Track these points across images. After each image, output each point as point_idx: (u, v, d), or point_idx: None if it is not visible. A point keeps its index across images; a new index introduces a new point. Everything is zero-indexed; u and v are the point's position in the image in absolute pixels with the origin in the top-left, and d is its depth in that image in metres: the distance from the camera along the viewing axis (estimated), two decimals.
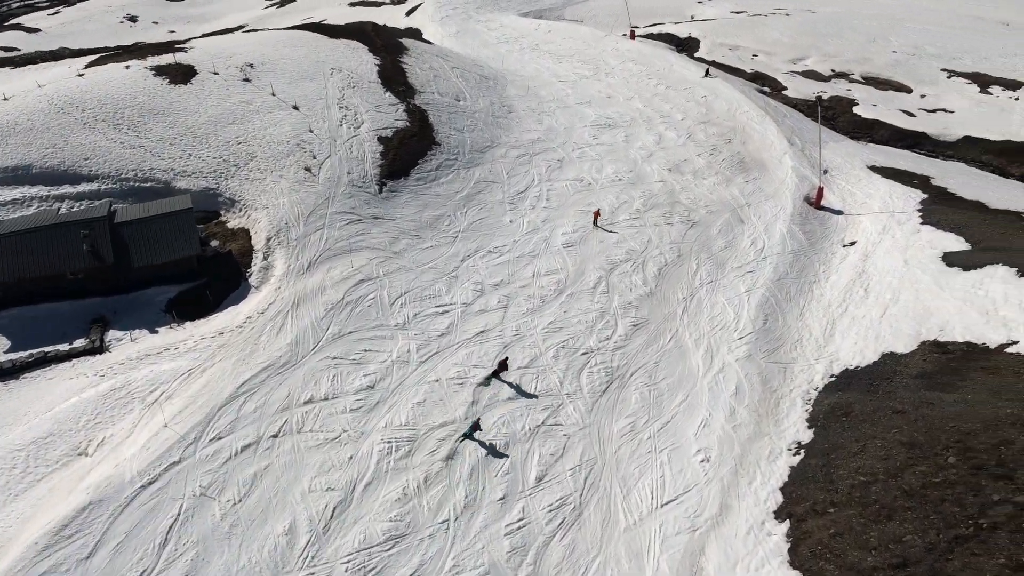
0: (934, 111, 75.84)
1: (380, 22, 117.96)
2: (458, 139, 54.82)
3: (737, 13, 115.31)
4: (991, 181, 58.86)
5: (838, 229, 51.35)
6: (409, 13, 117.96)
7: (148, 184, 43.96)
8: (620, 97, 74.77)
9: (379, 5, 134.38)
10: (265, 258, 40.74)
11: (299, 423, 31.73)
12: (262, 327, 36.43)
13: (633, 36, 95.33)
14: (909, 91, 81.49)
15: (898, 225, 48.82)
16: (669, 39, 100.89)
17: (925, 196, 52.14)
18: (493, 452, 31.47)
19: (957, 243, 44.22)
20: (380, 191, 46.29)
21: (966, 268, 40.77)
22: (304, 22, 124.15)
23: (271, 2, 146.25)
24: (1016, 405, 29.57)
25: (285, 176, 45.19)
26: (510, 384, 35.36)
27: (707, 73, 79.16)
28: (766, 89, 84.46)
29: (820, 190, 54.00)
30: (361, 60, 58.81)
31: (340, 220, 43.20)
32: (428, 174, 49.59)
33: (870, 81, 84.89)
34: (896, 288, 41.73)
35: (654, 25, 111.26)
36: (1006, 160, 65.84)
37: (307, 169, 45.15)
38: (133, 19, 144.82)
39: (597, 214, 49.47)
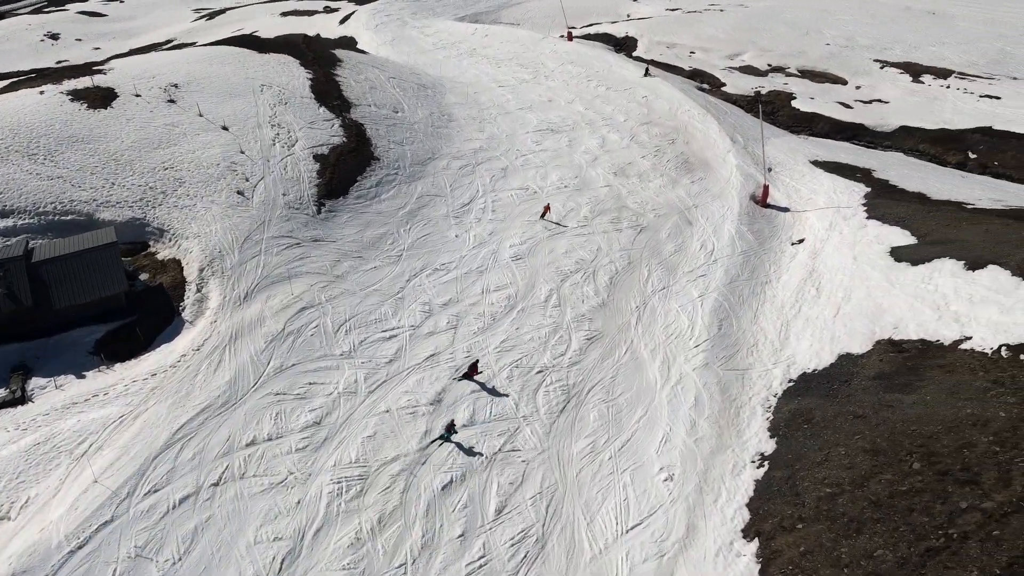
0: (870, 102, 76.68)
1: (313, 32, 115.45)
2: (398, 153, 53.10)
3: (672, 11, 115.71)
4: (930, 171, 59.44)
5: (785, 227, 51.10)
6: (343, 21, 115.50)
7: (69, 217, 41.27)
8: (561, 100, 73.86)
9: (311, 15, 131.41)
10: (199, 290, 38.50)
11: (241, 468, 29.79)
12: (198, 365, 34.28)
13: (571, 38, 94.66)
14: (844, 83, 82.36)
15: (844, 221, 48.71)
16: (607, 39, 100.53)
17: (868, 189, 52.25)
18: (453, 481, 30.03)
19: (904, 237, 44.19)
20: (318, 212, 44.34)
21: (915, 263, 40.67)
22: (235, 34, 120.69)
23: (200, 15, 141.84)
24: (975, 404, 29.25)
25: (217, 201, 42.91)
26: (483, 385, 35.06)
27: (647, 72, 78.76)
28: (705, 86, 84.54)
29: (766, 188, 53.75)
30: (292, 75, 56.58)
31: (277, 245, 41.17)
32: (368, 191, 47.79)
33: (806, 74, 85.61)
34: (847, 286, 41.45)
35: (591, 25, 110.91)
36: (942, 148, 66.79)
37: (240, 193, 42.97)
38: (55, 37, 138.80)
39: (547, 208, 49.81)
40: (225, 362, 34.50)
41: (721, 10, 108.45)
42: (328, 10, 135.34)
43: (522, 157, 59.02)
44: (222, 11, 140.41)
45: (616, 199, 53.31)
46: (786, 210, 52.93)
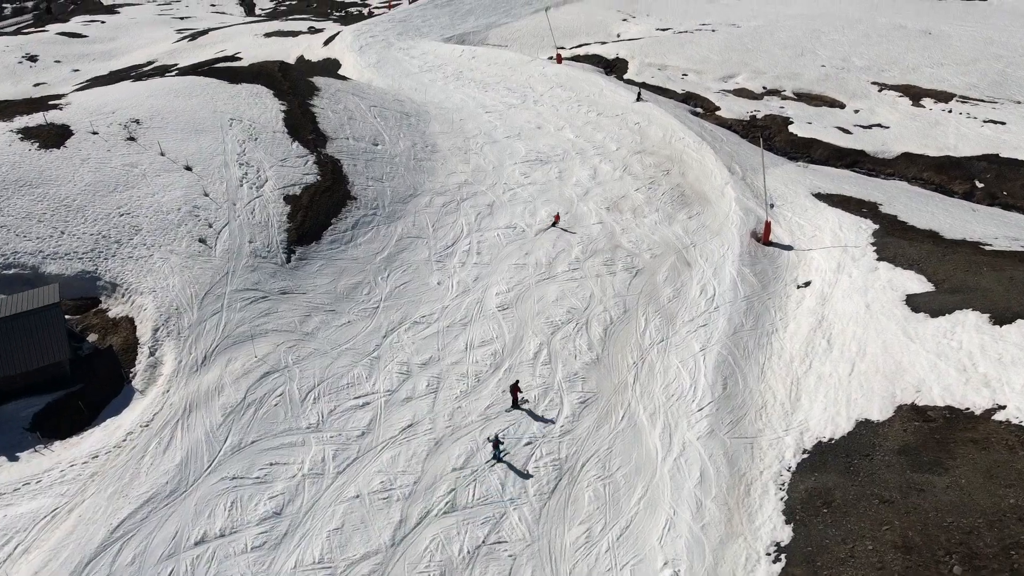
0: (869, 127, 73.56)
1: (297, 53, 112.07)
2: (377, 190, 49.46)
3: (663, 31, 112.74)
4: (938, 203, 56.14)
5: (790, 267, 47.67)
6: (327, 43, 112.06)
7: (11, 271, 37.43)
8: (550, 127, 70.54)
9: (296, 35, 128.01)
10: (152, 353, 34.67)
11: (188, 573, 25.92)
12: (146, 444, 30.44)
13: (560, 60, 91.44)
14: (842, 106, 79.28)
15: (853, 262, 45.29)
16: (597, 61, 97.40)
17: (877, 227, 48.86)
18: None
19: (919, 283, 40.76)
20: (288, 260, 40.61)
21: (934, 314, 37.24)
22: (217, 56, 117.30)
23: (182, 35, 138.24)
24: (1018, 492, 25.74)
25: (176, 251, 39.15)
26: (529, 412, 33.84)
27: (639, 97, 75.50)
28: (699, 110, 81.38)
29: (767, 225, 50.31)
30: (265, 107, 52.92)
31: (241, 299, 37.40)
32: (343, 235, 44.10)
33: (802, 97, 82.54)
34: (861, 338, 37.96)
35: (580, 46, 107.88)
36: (946, 177, 63.62)
37: (202, 241, 39.23)
38: (33, 59, 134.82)
39: (557, 217, 51.25)
40: (176, 440, 30.68)
41: (713, 30, 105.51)
42: (313, 30, 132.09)
43: (510, 191, 55.53)
44: (204, 31, 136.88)
45: (609, 237, 49.81)
46: (789, 248, 49.51)
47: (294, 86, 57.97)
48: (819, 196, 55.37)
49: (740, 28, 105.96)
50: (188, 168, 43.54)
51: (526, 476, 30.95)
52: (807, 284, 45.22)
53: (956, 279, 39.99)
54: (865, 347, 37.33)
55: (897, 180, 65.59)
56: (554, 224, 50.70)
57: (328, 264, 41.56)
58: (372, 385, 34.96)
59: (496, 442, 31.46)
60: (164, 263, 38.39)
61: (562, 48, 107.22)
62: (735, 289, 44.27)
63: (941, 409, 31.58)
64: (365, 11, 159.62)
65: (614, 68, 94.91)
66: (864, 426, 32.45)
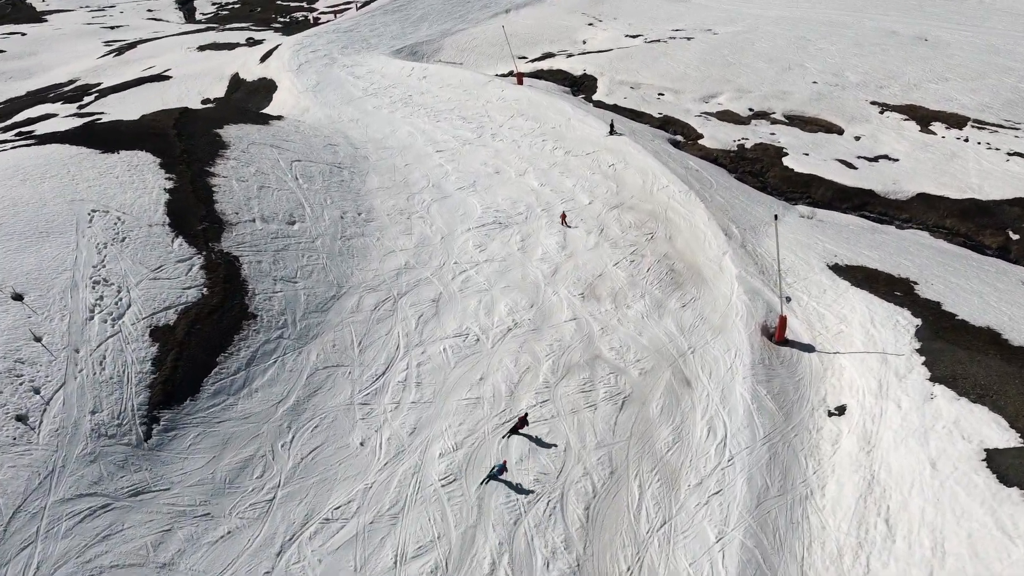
0: (875, 159, 63.01)
1: (232, 70, 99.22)
2: (286, 297, 37.63)
3: (632, 37, 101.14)
4: (977, 269, 45.70)
5: (814, 379, 36.94)
6: (264, 59, 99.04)
7: None
8: (511, 170, 59.07)
9: (232, 48, 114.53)
10: None
11: None
12: None
13: (520, 80, 79.58)
14: (840, 132, 68.60)
15: (898, 380, 34.61)
16: (562, 78, 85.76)
17: (919, 322, 38.17)
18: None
19: (997, 428, 30.17)
20: (147, 436, 28.71)
21: None
22: (144, 73, 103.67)
23: (108, 49, 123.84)
24: None
25: None
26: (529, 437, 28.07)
27: (612, 128, 64.19)
28: (679, 138, 70.35)
29: (782, 320, 39.38)
30: (144, 186, 40.53)
31: (71, 514, 25.56)
32: (233, 379, 32.23)
33: (794, 120, 71.70)
34: (935, 525, 27.27)
35: (543, 58, 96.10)
36: (974, 226, 53.32)
37: (20, 419, 27.24)
38: None
39: (564, 216, 50.11)
40: None
41: (688, 38, 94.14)
42: (251, 42, 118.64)
43: (461, 274, 44.02)
44: (133, 45, 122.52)
45: (586, 343, 38.63)
46: (810, 350, 38.76)
47: (190, 148, 45.53)
48: (837, 269, 44.57)
49: (718, 36, 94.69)
50: (17, 297, 31.26)
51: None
52: (841, 411, 34.52)
53: None
54: (943, 541, 26.65)
55: (915, 228, 55.19)
56: (561, 222, 49.74)
57: (207, 433, 29.69)
58: None
59: (503, 467, 29.59)
60: None
61: (524, 58, 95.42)
62: (752, 425, 33.37)
63: None
64: (311, 17, 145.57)
65: (582, 87, 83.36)
66: None
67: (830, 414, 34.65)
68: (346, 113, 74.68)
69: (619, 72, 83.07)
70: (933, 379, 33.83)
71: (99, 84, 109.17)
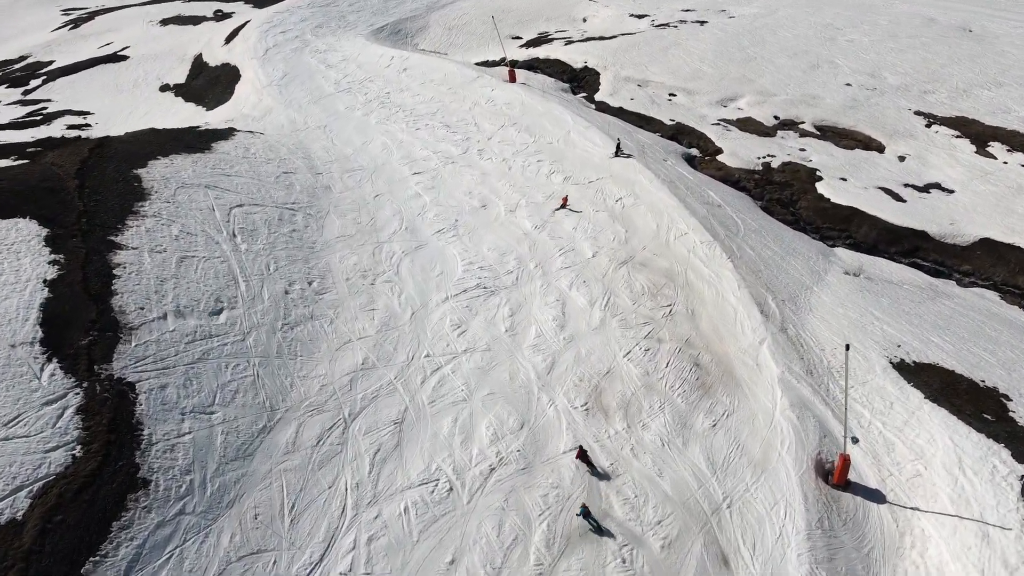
0: (925, 188, 52.71)
1: (195, 50, 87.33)
2: (196, 444, 27.72)
3: (639, 17, 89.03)
4: None
5: (888, 550, 27.65)
6: (230, 39, 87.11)
7: None
8: (500, 204, 48.89)
9: (197, 22, 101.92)
10: None
11: None
12: None
13: (513, 77, 68.23)
14: (881, 149, 58.03)
15: (1004, 566, 25.20)
16: (560, 71, 74.34)
17: (1022, 468, 28.62)
18: None
19: None
20: None
21: None
22: (100, 51, 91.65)
23: (65, 19, 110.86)
24: None
25: None
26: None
27: (618, 148, 53.64)
28: (695, 153, 59.78)
29: (843, 461, 29.78)
30: (16, 278, 30.13)
31: None
32: None
33: (827, 132, 61.01)
34: None
35: (539, 42, 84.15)
36: None
37: None
38: None
39: (565, 200, 47.45)
40: None
41: (701, 22, 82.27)
42: (220, 15, 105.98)
43: (434, 374, 34.21)
44: (91, 16, 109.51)
45: (590, 492, 29.04)
46: (880, 499, 29.41)
47: (94, 209, 34.99)
48: (903, 368, 34.81)
49: (734, 19, 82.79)
50: None
51: None
52: None
53: None
54: None
55: (981, 285, 45.37)
56: (563, 206, 47.24)
57: None
58: None
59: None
60: None
61: (518, 39, 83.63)
62: None
63: None
64: None
65: (582, 83, 72.07)
66: None
67: None
68: (313, 116, 63.66)
69: (624, 66, 71.70)
70: None
71: (51, 62, 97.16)
